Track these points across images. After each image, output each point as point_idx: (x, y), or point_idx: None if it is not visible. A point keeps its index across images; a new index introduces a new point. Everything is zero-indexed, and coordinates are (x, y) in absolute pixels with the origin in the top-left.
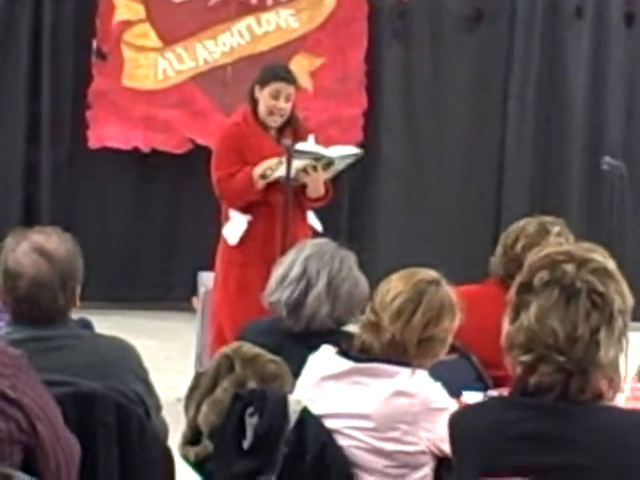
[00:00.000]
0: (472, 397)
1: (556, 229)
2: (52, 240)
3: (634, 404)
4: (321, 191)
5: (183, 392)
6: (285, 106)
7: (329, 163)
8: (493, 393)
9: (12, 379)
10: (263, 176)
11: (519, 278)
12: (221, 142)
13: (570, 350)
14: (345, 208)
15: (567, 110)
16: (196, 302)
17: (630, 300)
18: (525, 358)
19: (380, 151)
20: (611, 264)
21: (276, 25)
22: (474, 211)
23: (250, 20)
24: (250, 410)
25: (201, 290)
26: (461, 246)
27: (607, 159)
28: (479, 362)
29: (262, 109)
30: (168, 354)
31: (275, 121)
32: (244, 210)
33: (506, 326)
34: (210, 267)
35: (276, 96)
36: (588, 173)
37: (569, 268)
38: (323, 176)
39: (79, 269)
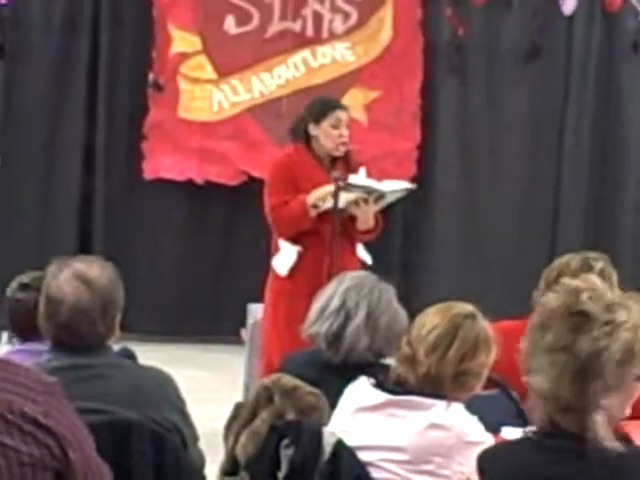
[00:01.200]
0: (511, 433)
1: (599, 265)
2: (93, 268)
3: None
4: (371, 223)
5: None
6: (346, 133)
7: (380, 196)
8: (532, 429)
9: (45, 406)
10: (315, 206)
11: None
12: (274, 171)
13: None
14: (398, 242)
15: (623, 145)
16: (244, 333)
17: None
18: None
19: (434, 185)
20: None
21: (332, 58)
22: (529, 248)
23: (306, 53)
24: (286, 442)
25: (249, 321)
26: (514, 282)
27: None
28: (519, 397)
29: (326, 143)
30: (217, 385)
31: (341, 151)
32: (294, 241)
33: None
34: (260, 299)
35: (337, 125)
36: None
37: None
38: (373, 209)
39: (120, 298)
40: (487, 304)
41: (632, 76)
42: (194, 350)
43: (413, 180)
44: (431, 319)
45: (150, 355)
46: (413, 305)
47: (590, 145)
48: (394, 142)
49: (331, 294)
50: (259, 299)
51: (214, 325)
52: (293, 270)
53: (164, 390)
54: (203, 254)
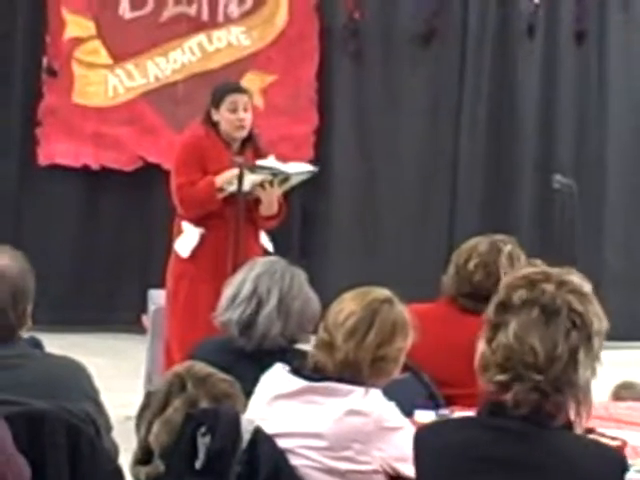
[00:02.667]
0: (424, 416)
1: (508, 248)
2: (4, 258)
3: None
4: (274, 208)
5: (132, 411)
6: (245, 116)
7: (285, 179)
8: (444, 412)
9: None
10: (220, 189)
11: (496, 298)
12: (183, 150)
13: (549, 369)
14: (297, 225)
15: (519, 127)
16: (146, 320)
17: (605, 323)
18: (501, 377)
19: (332, 168)
20: (587, 287)
21: (227, 42)
22: (426, 228)
23: (201, 37)
24: (202, 430)
25: (151, 308)
26: (413, 264)
27: (558, 177)
28: (430, 380)
29: (226, 127)
30: (117, 372)
31: (241, 132)
32: (197, 223)
33: (481, 346)
34: (159, 285)
35: (234, 109)
36: (539, 190)
37: (548, 287)
38: (278, 191)
39: (31, 288)
40: (387, 286)
41: (527, 58)
42: (91, 338)
43: (311, 163)
44: (348, 305)
45: (47, 343)
46: (313, 287)
47: (486, 126)
48: (291, 126)
49: (242, 281)
50: (159, 285)
51: (111, 313)
52: (195, 252)
53: (77, 379)
54: (99, 240)
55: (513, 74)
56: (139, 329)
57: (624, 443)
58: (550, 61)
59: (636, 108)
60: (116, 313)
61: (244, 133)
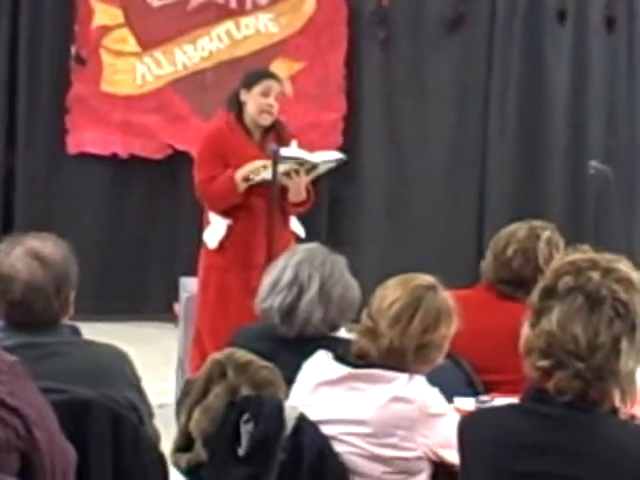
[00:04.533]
0: (463, 402)
1: (546, 234)
2: (47, 245)
3: None
4: (303, 195)
5: (165, 398)
6: (275, 104)
7: (312, 167)
8: (484, 398)
9: (9, 386)
10: (247, 179)
11: (542, 282)
12: (203, 145)
13: (590, 357)
14: (325, 213)
15: (549, 113)
16: (178, 308)
17: None
18: (543, 363)
19: (360, 155)
20: (635, 275)
21: (255, 29)
22: (456, 215)
23: (229, 24)
24: (245, 417)
25: (183, 296)
26: (442, 250)
27: (593, 163)
28: (470, 367)
29: (252, 109)
30: (147, 361)
31: (266, 119)
32: (224, 214)
33: (526, 330)
34: (190, 273)
35: (267, 93)
36: (571, 177)
37: (594, 275)
38: (305, 180)
39: (74, 275)
40: (424, 272)
41: (556, 44)
42: (121, 327)
43: (339, 150)
44: (392, 291)
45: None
46: None
47: (516, 113)
48: (319, 113)
49: (283, 268)
50: (189, 273)
51: (141, 301)
52: (223, 243)
53: (120, 367)
54: (128, 229)
55: (543, 60)
56: (168, 317)
57: None
58: (580, 47)
59: None
60: (145, 301)
61: (268, 121)
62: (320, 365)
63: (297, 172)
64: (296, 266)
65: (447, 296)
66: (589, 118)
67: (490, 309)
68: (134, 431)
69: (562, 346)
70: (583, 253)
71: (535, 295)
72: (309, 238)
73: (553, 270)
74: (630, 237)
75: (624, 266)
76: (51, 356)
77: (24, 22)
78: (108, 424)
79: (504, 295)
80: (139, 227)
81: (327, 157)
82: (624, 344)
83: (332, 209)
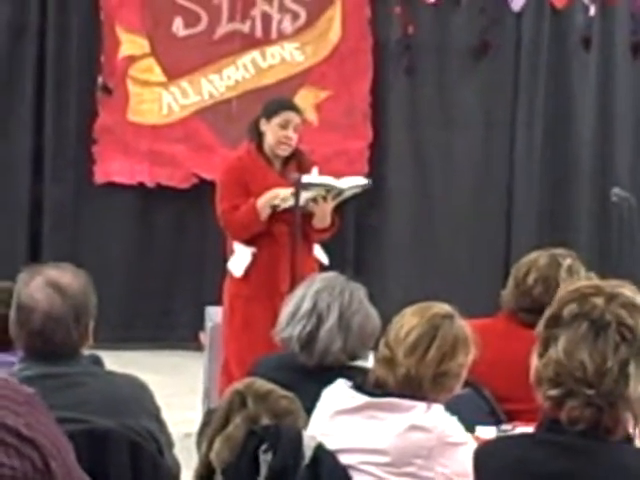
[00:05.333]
0: (485, 432)
1: (567, 262)
2: (66, 275)
3: None
4: (328, 221)
5: (191, 427)
6: (293, 136)
7: (338, 193)
8: (506, 427)
9: (27, 417)
10: (274, 207)
11: (548, 312)
12: (225, 175)
13: (599, 383)
14: (351, 241)
15: (575, 140)
16: (204, 337)
17: None
18: (553, 392)
19: (386, 184)
20: None
21: (281, 58)
22: (483, 244)
23: (255, 54)
24: (264, 447)
25: (208, 325)
26: (469, 279)
27: (616, 190)
28: (491, 396)
29: (270, 140)
30: (174, 390)
31: (284, 150)
32: (248, 242)
33: (535, 361)
34: (216, 302)
35: (285, 126)
36: (597, 204)
37: (598, 301)
38: (331, 205)
39: (93, 305)
40: (445, 302)
41: (582, 72)
42: (149, 355)
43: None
44: (409, 320)
45: (104, 361)
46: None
47: (542, 142)
48: (345, 142)
49: (301, 297)
50: (215, 302)
51: (167, 330)
52: (248, 272)
53: (139, 397)
54: (155, 258)
55: (569, 87)
56: (195, 346)
57: None
58: (606, 74)
59: None
60: (172, 330)
61: (286, 152)
62: (338, 394)
63: (324, 198)
64: (315, 295)
65: (464, 324)
66: (615, 145)
67: (511, 338)
68: (153, 461)
69: (570, 374)
70: (588, 280)
71: (541, 325)
72: (335, 266)
73: (558, 299)
74: None
75: (629, 291)
76: (70, 386)
77: (51, 52)
78: (127, 454)
79: (525, 323)
80: (166, 256)
81: (353, 183)
82: (632, 368)
83: (358, 237)
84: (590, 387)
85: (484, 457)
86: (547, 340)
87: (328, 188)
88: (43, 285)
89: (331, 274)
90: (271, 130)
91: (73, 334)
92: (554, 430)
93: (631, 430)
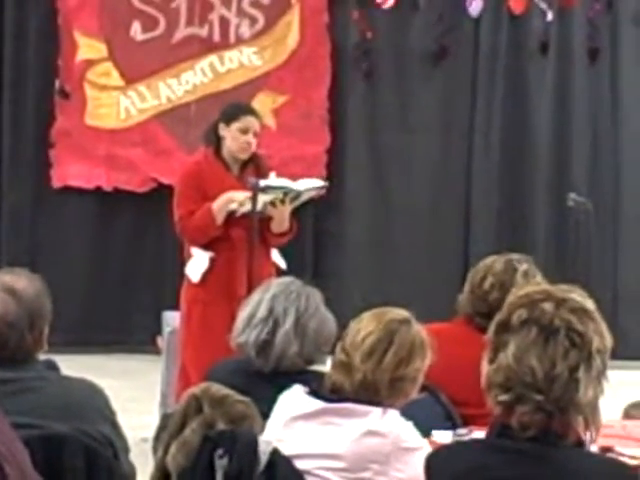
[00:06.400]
0: (442, 436)
1: (523, 267)
2: (21, 280)
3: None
4: (286, 225)
5: (148, 432)
6: (253, 141)
7: (296, 196)
8: (462, 431)
9: None
10: (232, 212)
11: (497, 317)
12: (182, 181)
13: (548, 389)
14: (310, 246)
15: (532, 145)
16: (161, 342)
17: (609, 340)
18: (504, 398)
19: (344, 188)
20: (590, 304)
21: (239, 63)
22: (441, 248)
23: (213, 58)
24: (220, 452)
25: (166, 329)
26: (428, 283)
27: (573, 195)
28: (448, 400)
29: (231, 145)
30: (132, 394)
31: (244, 155)
32: (206, 247)
33: (485, 366)
34: (174, 307)
35: (246, 131)
36: (553, 209)
37: (547, 307)
38: (289, 208)
39: (48, 310)
40: (402, 306)
41: (539, 76)
42: (107, 360)
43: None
44: (366, 325)
45: (61, 365)
46: (328, 307)
47: (499, 145)
48: (303, 146)
49: (257, 302)
50: (172, 307)
51: (126, 334)
52: (206, 277)
53: (94, 402)
54: (113, 262)
55: (526, 92)
56: (153, 350)
57: None
58: (563, 78)
59: None
60: (130, 334)
61: (246, 156)
62: (294, 399)
63: (282, 201)
64: (271, 300)
65: (421, 329)
66: (572, 149)
67: (468, 342)
68: (108, 466)
69: (520, 379)
70: (537, 285)
71: (491, 330)
72: (294, 270)
73: (507, 304)
74: (614, 269)
75: (578, 296)
76: (24, 391)
77: (8, 56)
78: (82, 459)
79: (481, 328)
80: (124, 260)
81: (310, 185)
82: (581, 373)
83: (316, 241)
84: (540, 393)
85: (436, 463)
86: (497, 345)
87: (286, 190)
88: None
89: (287, 279)
90: (231, 135)
91: (27, 339)
92: (505, 435)
93: (582, 434)
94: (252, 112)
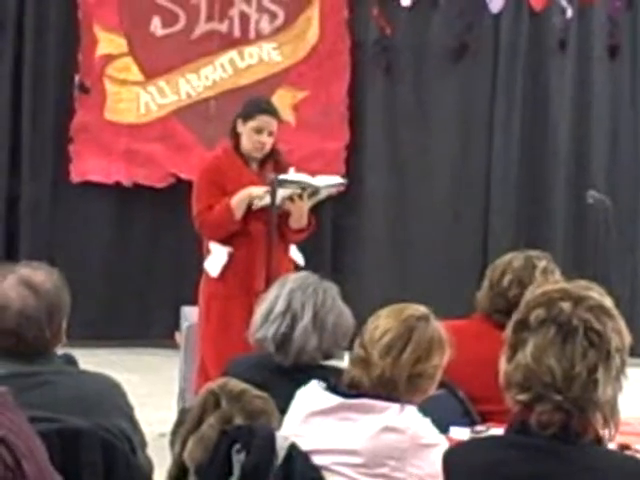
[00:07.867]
0: (459, 432)
1: (542, 264)
2: (39, 274)
3: None
4: (304, 221)
5: (166, 427)
6: (268, 140)
7: (314, 192)
8: (480, 428)
9: None
10: (250, 205)
11: (515, 316)
12: (201, 175)
13: (567, 389)
14: (328, 242)
15: (551, 142)
16: (179, 337)
17: (628, 338)
18: (522, 397)
19: (363, 184)
20: (608, 302)
21: (259, 58)
22: (459, 244)
23: (233, 54)
24: (237, 447)
25: (184, 325)
26: (446, 280)
27: (592, 193)
28: (466, 397)
29: (245, 143)
30: (150, 389)
31: (258, 154)
32: (225, 242)
33: (503, 364)
34: (192, 302)
35: (260, 131)
36: (573, 206)
37: (566, 306)
38: (308, 204)
39: (66, 304)
40: (421, 303)
41: (559, 73)
42: (125, 354)
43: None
44: (384, 321)
45: (79, 360)
46: (345, 304)
47: (519, 142)
48: (322, 142)
49: (275, 297)
50: (191, 302)
51: (144, 329)
52: (225, 272)
53: (112, 396)
54: (132, 257)
55: (545, 89)
56: (172, 345)
57: None
58: (583, 76)
59: None
60: (149, 329)
61: (260, 155)
62: (312, 395)
63: (300, 197)
64: (288, 295)
65: (439, 326)
66: (592, 146)
67: (486, 339)
68: (126, 460)
69: (539, 379)
70: (555, 283)
71: (509, 329)
72: (312, 267)
73: (526, 303)
74: (633, 266)
75: (596, 293)
76: (42, 385)
77: (28, 51)
78: (99, 453)
79: (500, 325)
80: (143, 255)
81: (328, 182)
82: (600, 373)
83: (335, 238)
84: (559, 392)
85: (453, 460)
86: (515, 344)
87: (303, 185)
88: (16, 284)
89: (303, 273)
90: (246, 133)
91: (46, 333)
92: (524, 432)
93: (601, 431)
94: (269, 111)
